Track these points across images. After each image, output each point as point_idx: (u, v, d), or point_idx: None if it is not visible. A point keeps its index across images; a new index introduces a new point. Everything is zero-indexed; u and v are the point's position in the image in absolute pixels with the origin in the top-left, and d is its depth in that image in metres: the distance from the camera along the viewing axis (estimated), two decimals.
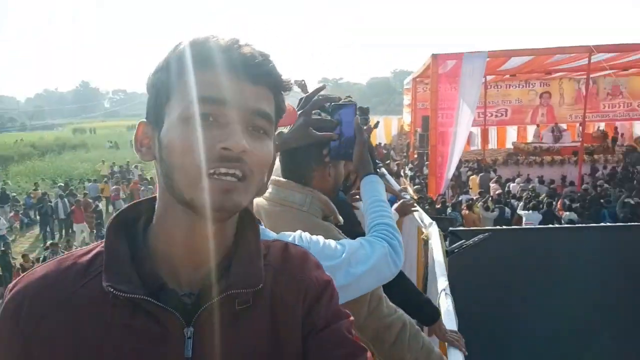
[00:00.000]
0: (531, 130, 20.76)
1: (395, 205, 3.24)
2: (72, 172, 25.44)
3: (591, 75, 13.61)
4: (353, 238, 1.53)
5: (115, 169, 23.96)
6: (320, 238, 1.19)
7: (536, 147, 17.29)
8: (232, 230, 0.70)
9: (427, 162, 14.33)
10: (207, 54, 0.63)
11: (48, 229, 14.50)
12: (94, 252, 0.67)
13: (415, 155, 17.12)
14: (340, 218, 1.53)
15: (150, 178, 20.88)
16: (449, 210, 9.67)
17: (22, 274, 0.67)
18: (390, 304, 1.57)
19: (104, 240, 0.68)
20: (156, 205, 0.68)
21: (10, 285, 0.66)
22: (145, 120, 0.68)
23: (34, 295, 0.63)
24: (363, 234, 1.75)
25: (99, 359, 0.61)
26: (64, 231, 14.74)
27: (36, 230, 15.42)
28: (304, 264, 0.75)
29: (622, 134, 19.91)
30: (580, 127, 16.04)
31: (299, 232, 1.20)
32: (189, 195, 0.61)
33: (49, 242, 10.85)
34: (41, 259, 9.85)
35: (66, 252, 0.69)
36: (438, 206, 9.76)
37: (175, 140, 0.61)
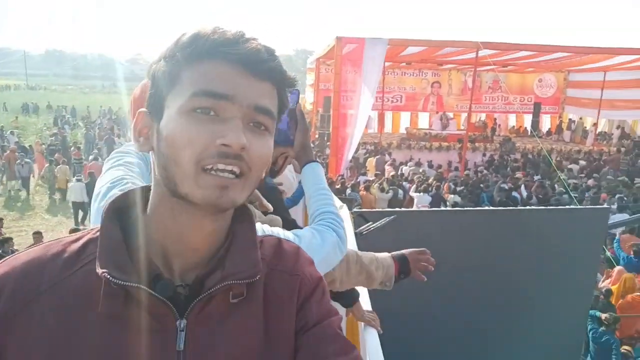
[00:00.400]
0: (422, 117, 22.20)
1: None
2: None
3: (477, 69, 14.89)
4: (284, 225, 1.56)
5: None
6: (280, 230, 1.17)
7: (426, 134, 18.54)
8: (228, 220, 0.69)
9: (328, 143, 14.74)
10: (212, 47, 0.61)
11: None
12: (84, 239, 0.65)
13: (317, 136, 17.47)
14: (269, 205, 1.53)
15: (29, 146, 18.97)
16: (348, 190, 10.08)
17: (5, 258, 0.63)
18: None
19: (94, 228, 0.67)
20: (151, 195, 0.66)
21: None
22: (145, 109, 0.66)
23: (17, 280, 0.60)
24: (292, 222, 1.81)
25: (86, 350, 0.59)
26: None
27: None
28: (297, 260, 0.74)
29: (500, 125, 22.08)
30: (465, 117, 17.53)
31: (258, 224, 1.17)
32: (184, 190, 0.60)
33: None
34: None
35: (54, 239, 0.67)
36: (337, 186, 10.13)
37: (174, 133, 0.60)
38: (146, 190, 0.69)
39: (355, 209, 6.66)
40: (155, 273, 0.62)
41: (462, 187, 10.73)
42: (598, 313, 5.18)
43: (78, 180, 11.54)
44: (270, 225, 1.25)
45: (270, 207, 1.53)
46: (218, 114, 0.60)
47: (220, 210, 0.62)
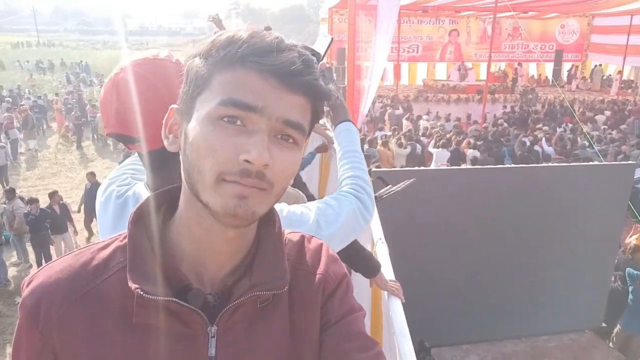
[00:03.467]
0: (440, 67, 21.62)
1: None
2: None
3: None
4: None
5: (4, 93, 21.48)
6: (284, 206, 1.14)
7: (444, 85, 18.11)
8: (254, 229, 0.68)
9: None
10: (245, 54, 0.58)
11: None
12: (112, 246, 0.66)
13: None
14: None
15: (49, 104, 19.10)
16: (365, 146, 10.01)
17: (38, 269, 0.65)
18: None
19: (122, 234, 0.67)
20: (180, 201, 0.66)
21: (27, 280, 0.64)
22: (176, 106, 0.65)
23: (53, 291, 0.61)
24: (310, 197, 1.82)
25: (123, 358, 0.61)
26: None
27: None
28: (321, 259, 0.74)
29: (522, 75, 21.43)
30: (485, 67, 17.01)
31: (278, 204, 1.15)
32: (205, 198, 0.59)
33: None
34: None
35: (82, 247, 0.68)
36: None
37: (199, 139, 0.58)
38: (170, 192, 0.69)
39: (373, 167, 6.65)
40: (185, 283, 0.63)
41: (481, 142, 10.56)
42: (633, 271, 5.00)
43: None
44: (296, 202, 1.25)
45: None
46: (245, 124, 0.58)
47: (240, 221, 0.60)
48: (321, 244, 0.77)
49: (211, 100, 0.59)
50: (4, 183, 10.97)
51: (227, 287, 0.65)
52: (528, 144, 10.31)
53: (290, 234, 0.76)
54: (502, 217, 4.77)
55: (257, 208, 0.60)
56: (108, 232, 1.10)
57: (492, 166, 6.08)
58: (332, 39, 1.43)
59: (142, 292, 0.59)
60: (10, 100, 19.41)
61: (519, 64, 20.98)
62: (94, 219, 8.70)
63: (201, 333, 0.62)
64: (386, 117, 14.72)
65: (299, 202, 1.44)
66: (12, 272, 7.69)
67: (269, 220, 0.70)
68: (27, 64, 33.08)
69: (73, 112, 16.21)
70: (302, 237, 0.77)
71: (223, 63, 0.59)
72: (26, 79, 26.86)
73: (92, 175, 8.90)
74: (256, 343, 0.65)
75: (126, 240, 0.65)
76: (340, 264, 0.78)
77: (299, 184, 1.80)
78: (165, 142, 0.66)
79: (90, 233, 8.79)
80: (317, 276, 0.72)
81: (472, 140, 10.41)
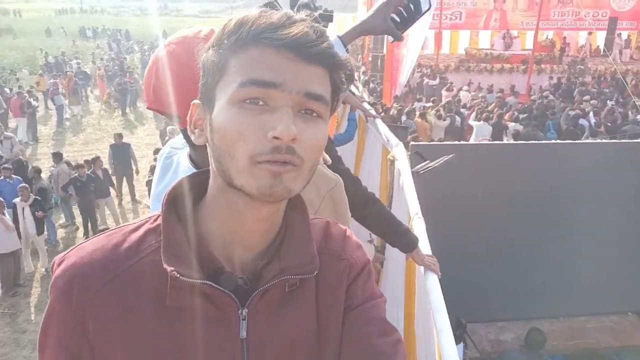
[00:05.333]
0: (483, 35, 20.80)
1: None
2: (1, 60, 23.24)
3: None
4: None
5: (50, 60, 22.15)
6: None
7: (487, 54, 17.46)
8: (282, 212, 0.69)
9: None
10: (256, 33, 0.59)
11: None
12: (143, 228, 0.66)
13: (370, 58, 16.89)
14: (327, 157, 1.53)
15: (91, 71, 19.58)
16: (403, 117, 9.85)
17: (69, 249, 0.66)
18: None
19: (152, 216, 0.68)
20: (209, 186, 0.67)
21: (58, 259, 0.65)
22: (198, 101, 0.65)
23: (86, 271, 0.62)
24: (346, 170, 1.80)
25: (155, 340, 0.62)
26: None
27: None
28: (345, 244, 0.75)
29: (569, 44, 20.38)
30: (531, 35, 16.26)
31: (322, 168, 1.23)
32: (240, 182, 0.59)
33: None
34: None
35: (113, 228, 0.68)
36: (393, 113, 9.91)
37: (225, 125, 0.59)
38: (200, 175, 0.70)
39: (411, 140, 6.54)
40: (218, 267, 0.64)
41: (525, 115, 10.19)
42: None
43: None
44: (335, 192, 1.32)
45: (329, 160, 1.54)
46: (267, 102, 0.58)
47: (276, 199, 0.61)
48: (345, 230, 0.78)
49: (230, 84, 0.59)
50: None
51: (257, 270, 0.66)
52: (574, 116, 9.87)
53: (315, 219, 0.76)
54: (544, 194, 4.63)
55: (292, 185, 0.60)
56: (154, 187, 1.19)
57: (534, 142, 5.85)
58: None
59: (177, 274, 0.59)
60: (55, 67, 20.01)
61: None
62: (124, 179, 9.01)
63: (233, 316, 0.63)
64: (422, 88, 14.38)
65: (338, 187, 1.44)
66: (60, 233, 8.08)
67: (296, 204, 0.71)
68: (69, 30, 33.82)
69: (117, 79, 16.54)
70: (327, 222, 0.78)
71: (236, 46, 0.59)
72: (69, 45, 27.51)
73: (119, 136, 9.14)
74: (284, 325, 0.66)
75: (157, 222, 0.66)
76: (364, 250, 0.78)
77: (333, 158, 1.79)
78: (192, 138, 0.66)
79: (120, 197, 9.10)
80: (342, 261, 0.73)
81: (515, 113, 10.06)
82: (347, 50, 1.37)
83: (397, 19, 1.36)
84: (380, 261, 2.80)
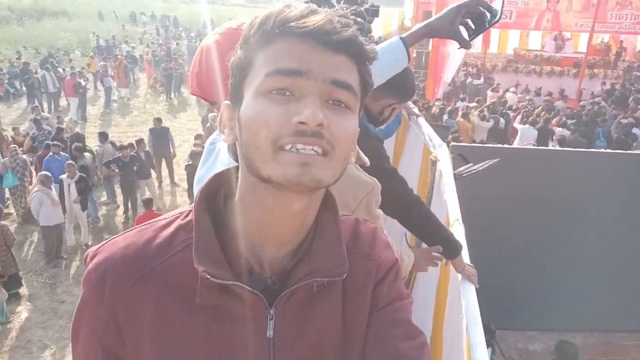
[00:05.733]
0: (534, 36, 20.11)
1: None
2: (56, 42, 24.16)
3: None
4: (381, 175, 1.52)
5: (101, 43, 22.88)
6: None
7: (537, 56, 16.90)
8: (315, 207, 0.67)
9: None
10: (280, 25, 0.59)
11: (36, 102, 14.18)
12: (174, 225, 0.67)
13: (414, 55, 16.64)
14: (366, 159, 1.49)
15: (140, 56, 20.10)
16: (445, 117, 9.67)
17: (102, 243, 0.67)
18: None
19: (182, 212, 0.68)
20: (239, 184, 0.65)
21: (91, 253, 0.66)
22: (228, 102, 0.66)
23: (118, 267, 0.63)
24: (392, 171, 1.76)
25: (185, 336, 0.62)
26: (53, 105, 14.49)
27: (23, 101, 15.08)
28: (374, 243, 0.74)
29: (626, 48, 19.45)
30: (585, 38, 15.61)
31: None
32: (266, 172, 0.58)
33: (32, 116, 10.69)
34: (29, 133, 9.80)
35: (145, 223, 0.69)
36: (434, 112, 9.74)
37: (250, 116, 0.58)
38: (231, 172, 0.69)
39: (452, 140, 6.41)
40: (247, 267, 0.64)
41: (573, 120, 9.81)
42: None
43: None
44: (372, 196, 1.31)
45: (367, 161, 1.51)
46: (293, 92, 0.57)
47: (306, 189, 0.58)
48: (374, 228, 0.77)
49: (257, 77, 0.59)
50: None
51: (286, 269, 0.66)
52: (626, 124, 9.42)
53: (344, 216, 0.75)
54: (587, 204, 4.45)
55: (322, 175, 0.58)
56: (198, 170, 1.23)
57: (581, 149, 5.63)
58: None
59: (208, 276, 0.60)
60: (105, 50, 20.65)
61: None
62: (162, 162, 9.21)
63: (261, 315, 0.64)
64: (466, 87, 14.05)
65: (375, 191, 1.42)
66: (101, 210, 8.37)
67: (328, 204, 0.70)
68: (120, 14, 34.79)
69: (163, 65, 16.93)
70: (356, 220, 0.77)
71: (262, 41, 0.60)
72: (120, 29, 28.31)
73: (158, 121, 9.34)
74: (311, 325, 0.66)
75: (188, 218, 0.67)
76: (392, 250, 0.77)
77: (381, 157, 1.75)
78: (223, 137, 0.66)
79: (160, 179, 9.31)
80: (370, 262, 0.72)
81: (563, 118, 9.69)
82: (408, 52, 1.32)
83: (472, 26, 1.31)
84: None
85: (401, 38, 1.33)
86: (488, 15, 1.29)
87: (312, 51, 0.58)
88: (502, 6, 1.28)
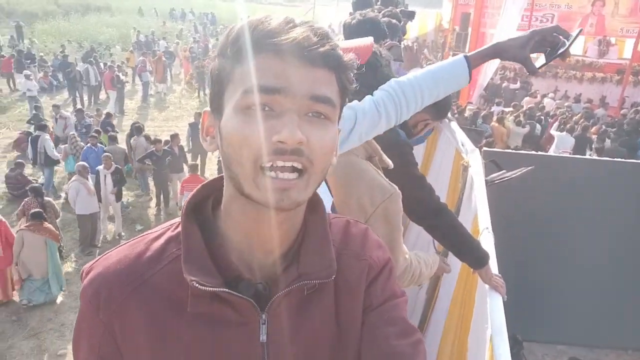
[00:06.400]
0: (576, 41, 19.51)
1: None
2: (98, 36, 24.90)
3: None
4: (408, 181, 1.54)
5: (140, 38, 23.44)
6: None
7: (578, 61, 16.38)
8: (301, 215, 0.69)
9: None
10: (257, 40, 0.59)
11: (77, 94, 14.65)
12: (165, 236, 0.68)
13: (450, 56, 16.39)
14: (389, 161, 1.48)
15: (175, 51, 20.48)
16: (479, 121, 9.49)
17: (96, 259, 0.69)
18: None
19: (173, 223, 0.70)
20: (224, 193, 0.67)
21: (87, 268, 0.68)
22: (209, 109, 0.66)
23: (111, 281, 0.65)
24: (420, 178, 1.74)
25: (180, 346, 0.64)
26: (93, 98, 14.94)
27: (65, 93, 15.60)
28: (365, 243, 0.75)
29: None
30: (631, 43, 15.03)
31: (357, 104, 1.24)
32: (247, 190, 0.60)
33: (77, 108, 11.09)
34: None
35: (137, 236, 0.71)
36: (468, 115, 9.57)
37: (231, 132, 0.59)
38: (219, 180, 0.70)
39: (484, 146, 6.29)
40: (236, 274, 0.65)
41: (614, 129, 9.47)
42: None
43: None
44: (390, 203, 1.30)
45: (390, 164, 1.50)
46: (273, 108, 0.58)
47: (287, 209, 0.61)
48: (366, 229, 0.78)
49: (236, 92, 0.60)
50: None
51: (275, 274, 0.67)
52: None
53: (335, 218, 0.77)
54: (625, 217, 4.28)
55: (301, 197, 0.60)
56: None
57: (619, 160, 5.41)
58: (580, 30, 1.34)
59: (197, 285, 0.61)
60: (145, 45, 21.13)
61: None
62: (199, 157, 9.35)
63: (253, 320, 0.65)
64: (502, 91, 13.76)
65: (394, 197, 1.40)
66: (134, 202, 8.58)
67: (314, 206, 0.71)
68: (160, 11, 35.56)
69: (196, 62, 17.22)
70: (347, 222, 0.77)
71: (240, 54, 0.60)
72: (159, 25, 28.93)
73: (199, 115, 9.57)
74: (304, 328, 0.67)
75: (177, 230, 0.68)
76: (384, 249, 0.77)
77: (409, 163, 1.73)
78: (205, 145, 0.67)
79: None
80: (361, 262, 0.73)
81: (603, 127, 9.38)
82: (470, 72, 1.27)
83: (547, 50, 1.29)
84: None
85: (465, 57, 1.29)
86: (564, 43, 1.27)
87: (289, 68, 0.58)
88: (577, 36, 1.26)
